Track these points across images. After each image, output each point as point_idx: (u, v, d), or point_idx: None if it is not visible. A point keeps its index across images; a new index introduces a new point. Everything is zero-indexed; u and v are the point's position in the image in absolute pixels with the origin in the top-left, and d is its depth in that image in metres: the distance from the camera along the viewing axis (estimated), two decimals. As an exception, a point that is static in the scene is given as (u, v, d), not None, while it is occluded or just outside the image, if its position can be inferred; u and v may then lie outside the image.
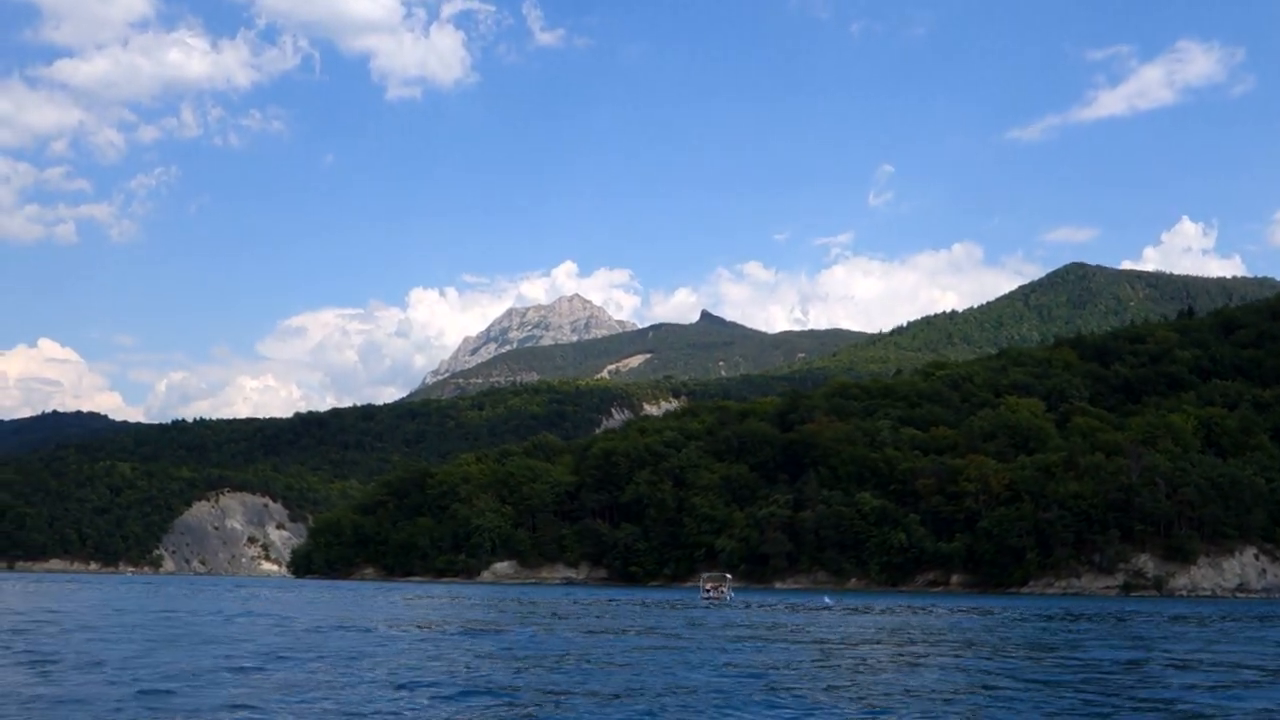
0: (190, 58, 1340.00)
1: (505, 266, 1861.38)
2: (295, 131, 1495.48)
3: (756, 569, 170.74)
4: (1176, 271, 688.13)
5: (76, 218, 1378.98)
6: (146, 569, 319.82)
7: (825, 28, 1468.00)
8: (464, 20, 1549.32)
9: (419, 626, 51.89)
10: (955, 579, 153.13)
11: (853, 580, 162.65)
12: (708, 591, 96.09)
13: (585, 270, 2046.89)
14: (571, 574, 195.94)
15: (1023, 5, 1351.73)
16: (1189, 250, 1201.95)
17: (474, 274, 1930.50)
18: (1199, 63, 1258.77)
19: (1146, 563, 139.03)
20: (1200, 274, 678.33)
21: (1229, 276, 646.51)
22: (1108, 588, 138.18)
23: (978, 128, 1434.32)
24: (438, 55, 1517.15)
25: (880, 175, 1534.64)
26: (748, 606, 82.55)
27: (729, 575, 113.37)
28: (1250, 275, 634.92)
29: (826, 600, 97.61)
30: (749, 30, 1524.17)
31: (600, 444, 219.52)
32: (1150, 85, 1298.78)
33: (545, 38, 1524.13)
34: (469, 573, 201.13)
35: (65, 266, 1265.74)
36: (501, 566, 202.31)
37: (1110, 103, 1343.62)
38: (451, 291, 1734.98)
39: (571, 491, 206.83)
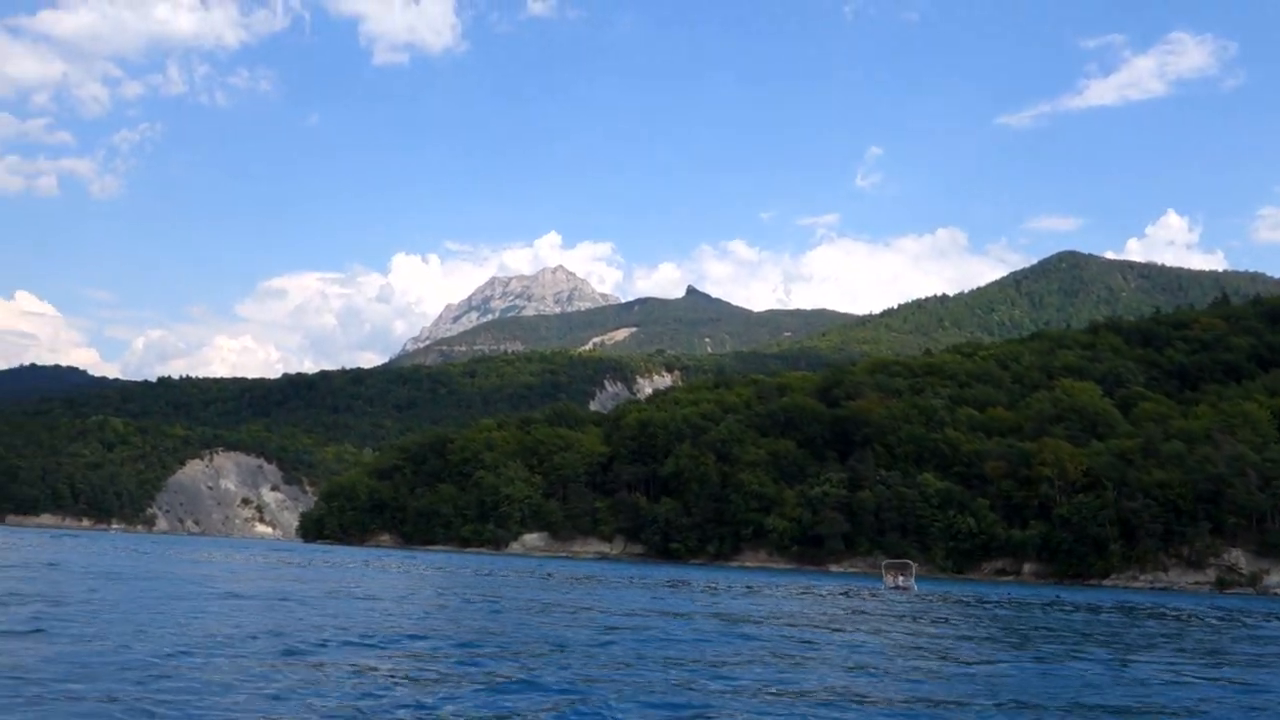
0: (178, 14, 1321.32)
1: (488, 235, 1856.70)
2: (281, 92, 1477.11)
3: (809, 550, 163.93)
4: (1163, 264, 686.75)
5: (58, 171, 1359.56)
6: (140, 528, 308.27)
7: (819, 8, 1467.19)
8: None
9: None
10: (1028, 568, 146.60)
11: (915, 566, 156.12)
12: (895, 583, 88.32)
13: (569, 242, 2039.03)
14: (605, 548, 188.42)
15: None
16: (1173, 244, 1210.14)
17: (457, 242, 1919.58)
18: (1192, 55, 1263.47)
19: (1239, 558, 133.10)
20: (1185, 267, 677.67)
21: (1220, 270, 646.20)
22: (1199, 583, 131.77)
23: (968, 113, 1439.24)
24: (427, 21, 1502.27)
25: (869, 157, 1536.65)
26: (945, 600, 74.51)
27: (911, 563, 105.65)
28: (1236, 270, 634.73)
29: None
30: (742, 8, 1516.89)
31: (634, 414, 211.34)
32: (1142, 76, 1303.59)
33: (537, 7, 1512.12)
34: (496, 543, 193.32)
35: (44, 219, 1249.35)
36: (531, 538, 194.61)
37: (1101, 92, 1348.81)
38: (434, 258, 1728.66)
39: (604, 463, 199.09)
